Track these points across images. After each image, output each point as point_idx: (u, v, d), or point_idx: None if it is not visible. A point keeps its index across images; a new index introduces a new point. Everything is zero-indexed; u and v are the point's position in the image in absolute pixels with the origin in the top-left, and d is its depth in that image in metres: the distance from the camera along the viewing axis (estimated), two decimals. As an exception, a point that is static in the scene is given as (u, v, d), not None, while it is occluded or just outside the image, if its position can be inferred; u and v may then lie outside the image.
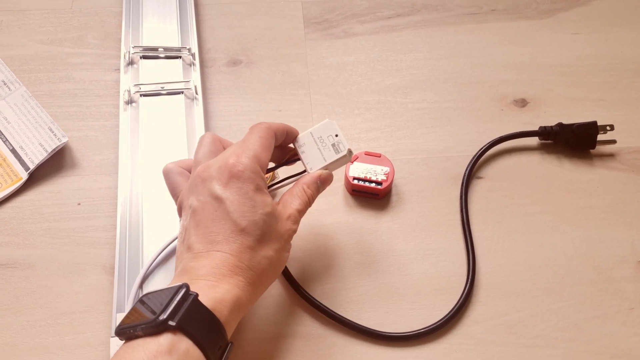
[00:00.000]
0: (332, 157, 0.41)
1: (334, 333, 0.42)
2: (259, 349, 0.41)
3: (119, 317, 0.40)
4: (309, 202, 0.40)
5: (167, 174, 0.40)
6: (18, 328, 0.42)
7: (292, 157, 0.43)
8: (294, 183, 0.41)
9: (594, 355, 0.42)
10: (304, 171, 0.42)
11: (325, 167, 0.42)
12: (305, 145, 0.42)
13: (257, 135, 0.38)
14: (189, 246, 0.36)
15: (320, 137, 0.42)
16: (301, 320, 0.43)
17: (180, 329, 0.30)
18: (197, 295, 0.32)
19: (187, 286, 0.32)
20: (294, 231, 0.38)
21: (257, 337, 0.42)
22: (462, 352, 0.42)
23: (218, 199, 0.35)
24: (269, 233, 0.36)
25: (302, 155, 0.42)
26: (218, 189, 0.35)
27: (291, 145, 0.43)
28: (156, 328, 0.30)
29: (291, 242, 0.39)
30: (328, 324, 0.43)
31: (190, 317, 0.31)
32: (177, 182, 0.40)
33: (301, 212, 0.39)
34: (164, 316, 0.30)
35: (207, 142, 0.40)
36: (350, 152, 0.42)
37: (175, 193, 0.40)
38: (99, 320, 0.42)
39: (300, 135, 0.42)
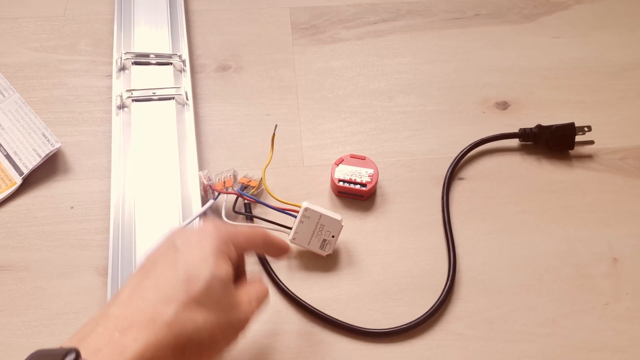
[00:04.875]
0: (314, 248, 0.46)
1: (320, 330, 0.44)
2: (246, 346, 0.43)
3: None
4: (253, 315, 0.35)
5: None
6: (13, 329, 0.43)
7: (292, 210, 0.46)
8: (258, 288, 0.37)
9: (571, 350, 0.43)
10: (289, 229, 0.45)
11: (302, 246, 0.46)
12: (309, 220, 0.45)
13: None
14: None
15: (323, 226, 0.45)
16: (288, 318, 0.44)
17: None
18: None
19: (76, 352, 0.27)
20: (247, 321, 0.34)
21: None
22: (444, 348, 0.43)
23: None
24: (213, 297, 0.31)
25: (298, 223, 0.45)
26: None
27: (302, 204, 0.44)
28: None
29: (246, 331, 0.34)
30: (314, 321, 0.44)
31: None
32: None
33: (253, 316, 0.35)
34: None
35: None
36: (328, 255, 0.46)
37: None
38: (92, 320, 0.44)
39: (314, 207, 0.44)
